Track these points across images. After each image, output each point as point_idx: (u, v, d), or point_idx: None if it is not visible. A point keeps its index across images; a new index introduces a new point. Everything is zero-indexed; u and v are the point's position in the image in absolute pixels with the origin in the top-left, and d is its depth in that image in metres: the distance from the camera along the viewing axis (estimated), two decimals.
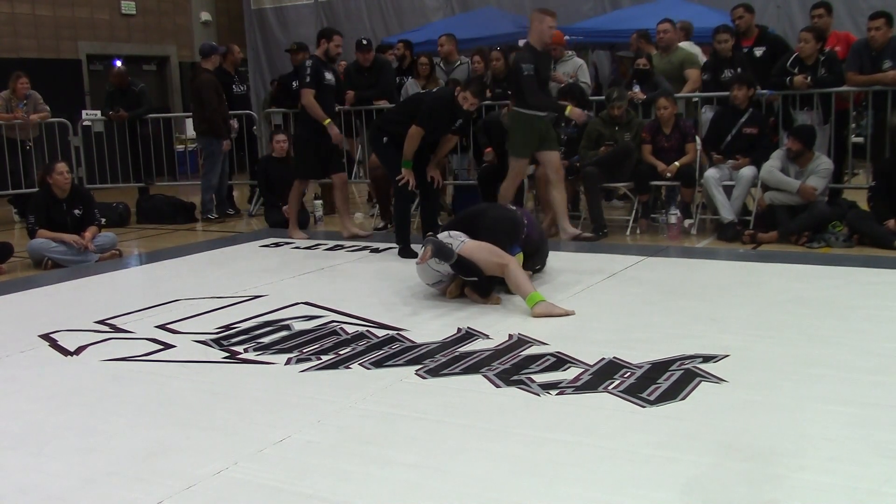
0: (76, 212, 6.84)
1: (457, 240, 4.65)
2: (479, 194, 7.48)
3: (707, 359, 3.55)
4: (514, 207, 5.26)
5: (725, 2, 10.83)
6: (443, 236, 4.74)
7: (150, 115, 10.28)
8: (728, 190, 6.82)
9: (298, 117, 7.39)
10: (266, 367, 3.73)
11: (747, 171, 6.71)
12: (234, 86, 9.76)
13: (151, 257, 6.89)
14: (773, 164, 6.58)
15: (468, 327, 4.19)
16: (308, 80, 7.08)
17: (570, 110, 6.59)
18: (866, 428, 2.81)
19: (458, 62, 8.75)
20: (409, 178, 6.09)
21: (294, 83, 9.18)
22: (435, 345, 3.92)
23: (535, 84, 6.49)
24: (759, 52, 7.51)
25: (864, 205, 6.56)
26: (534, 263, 5.15)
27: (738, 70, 7.25)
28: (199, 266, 6.31)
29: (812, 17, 7.51)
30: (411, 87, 8.48)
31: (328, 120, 7.09)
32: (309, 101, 7.07)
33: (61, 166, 6.88)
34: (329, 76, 7.26)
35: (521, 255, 4.89)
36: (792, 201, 6.47)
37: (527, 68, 6.44)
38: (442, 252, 4.55)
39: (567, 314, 4.35)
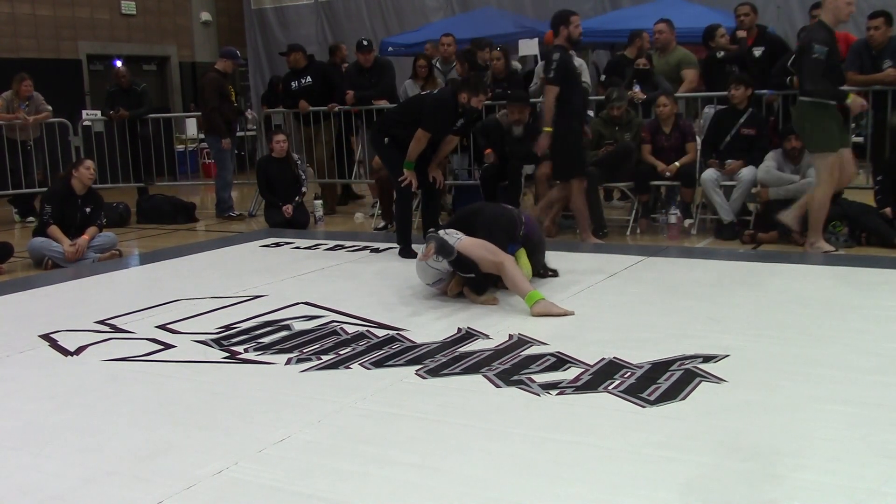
0: (87, 209, 6.95)
1: (453, 237, 4.65)
2: (481, 195, 7.48)
3: (707, 359, 3.55)
4: (510, 207, 5.29)
5: (725, 2, 10.86)
6: (439, 234, 4.75)
7: (151, 116, 10.30)
8: (727, 190, 6.82)
9: (558, 112, 6.40)
10: (266, 367, 3.73)
11: (747, 173, 6.71)
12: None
13: (151, 257, 6.89)
14: (769, 165, 6.59)
15: (468, 327, 4.19)
16: (553, 74, 6.33)
17: (853, 99, 5.82)
18: (866, 428, 2.81)
19: (455, 63, 8.75)
20: (411, 179, 6.09)
21: (292, 84, 9.23)
22: (435, 345, 3.92)
23: (821, 69, 5.67)
24: (758, 52, 7.51)
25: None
26: (536, 262, 5.13)
27: (735, 69, 7.26)
28: (199, 266, 6.30)
29: (812, 17, 7.51)
30: (410, 87, 8.50)
31: (548, 128, 6.43)
32: (548, 101, 6.41)
33: (89, 162, 7.15)
34: (579, 63, 6.62)
35: (523, 252, 4.89)
36: (794, 194, 6.48)
37: (819, 50, 5.60)
38: (444, 249, 4.55)
39: (566, 314, 4.34)
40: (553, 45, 6.48)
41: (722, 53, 7.49)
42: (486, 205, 5.47)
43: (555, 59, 6.33)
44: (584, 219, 6.76)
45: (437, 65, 8.79)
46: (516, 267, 4.62)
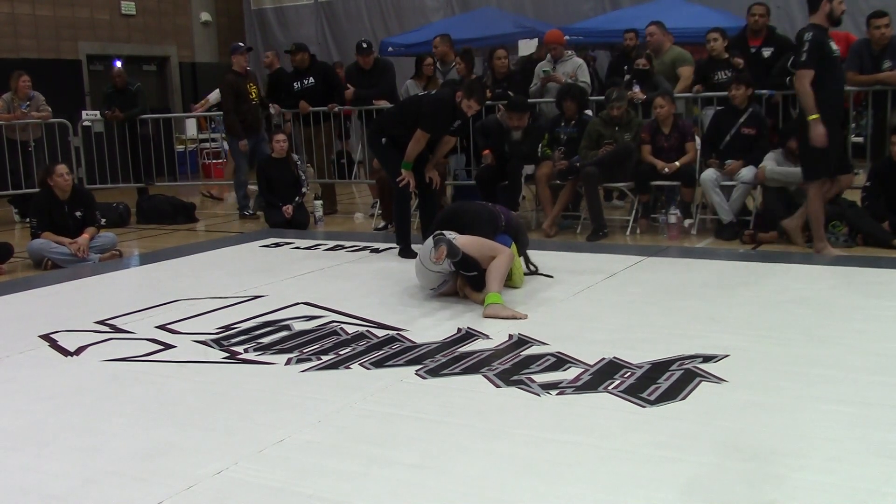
0: (77, 213, 6.82)
1: (448, 236, 4.65)
2: (479, 195, 7.47)
3: (707, 359, 3.55)
4: (485, 202, 5.39)
5: (725, 2, 10.87)
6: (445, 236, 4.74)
7: (151, 116, 10.30)
8: (727, 190, 6.82)
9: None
10: (266, 367, 3.73)
11: (747, 172, 6.71)
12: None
13: (151, 257, 6.89)
14: (770, 164, 6.59)
15: (468, 327, 4.19)
16: (805, 57, 5.49)
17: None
18: (866, 428, 2.81)
19: (454, 63, 8.76)
20: (409, 180, 6.08)
21: (295, 84, 9.22)
22: (435, 345, 3.92)
23: None
24: (766, 52, 7.51)
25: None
26: (521, 245, 5.17)
27: (729, 72, 7.27)
28: (199, 266, 6.30)
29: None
30: (412, 87, 8.49)
31: (815, 115, 5.52)
32: (803, 87, 5.55)
33: (61, 168, 6.84)
34: (835, 47, 5.72)
35: (514, 247, 4.92)
36: (792, 179, 6.49)
37: None
38: (452, 250, 4.54)
39: (516, 317, 4.30)
40: (811, 23, 5.63)
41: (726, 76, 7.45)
42: (464, 203, 5.48)
43: (807, 38, 5.50)
44: (819, 226, 5.95)
45: (437, 66, 8.79)
46: (503, 265, 4.59)
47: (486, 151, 7.60)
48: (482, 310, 4.44)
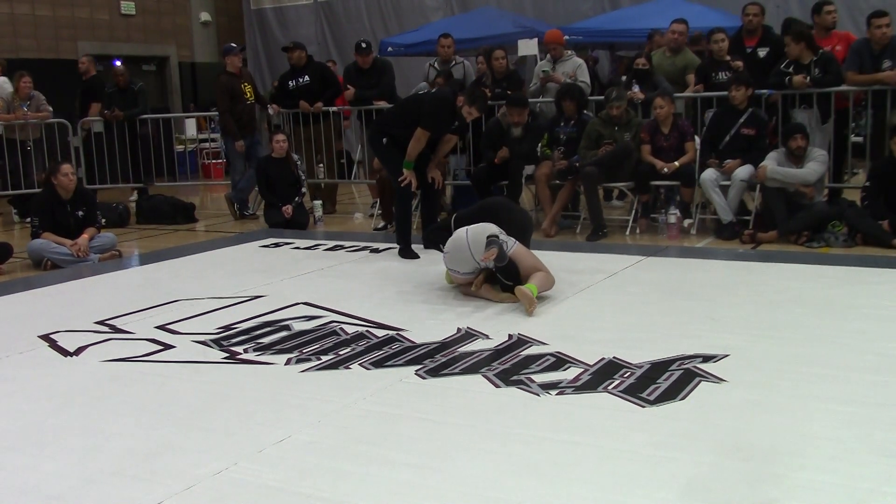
0: (79, 213, 6.82)
1: (509, 241, 4.66)
2: (476, 195, 7.47)
3: (707, 358, 3.55)
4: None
5: (725, 2, 10.85)
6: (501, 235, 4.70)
7: (150, 116, 10.30)
8: (726, 189, 6.81)
9: None
10: (266, 367, 3.73)
11: (742, 171, 6.71)
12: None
13: (151, 257, 6.89)
14: (771, 164, 6.59)
15: (468, 327, 4.19)
16: None
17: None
18: (866, 427, 2.81)
19: (454, 62, 8.74)
20: (410, 179, 6.08)
21: (290, 83, 9.19)
22: (435, 345, 3.92)
23: None
24: (762, 52, 7.51)
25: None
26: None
27: (729, 73, 7.27)
28: (199, 266, 6.30)
29: (827, 12, 7.49)
30: (425, 89, 8.39)
31: None
32: None
33: (67, 167, 6.85)
34: None
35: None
36: (792, 180, 6.48)
37: None
38: (501, 256, 4.54)
39: (530, 308, 4.37)
40: None
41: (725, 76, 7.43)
42: (514, 206, 5.50)
43: None
44: None
45: (436, 65, 8.76)
46: (550, 284, 4.71)
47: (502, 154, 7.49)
48: (494, 304, 4.54)
